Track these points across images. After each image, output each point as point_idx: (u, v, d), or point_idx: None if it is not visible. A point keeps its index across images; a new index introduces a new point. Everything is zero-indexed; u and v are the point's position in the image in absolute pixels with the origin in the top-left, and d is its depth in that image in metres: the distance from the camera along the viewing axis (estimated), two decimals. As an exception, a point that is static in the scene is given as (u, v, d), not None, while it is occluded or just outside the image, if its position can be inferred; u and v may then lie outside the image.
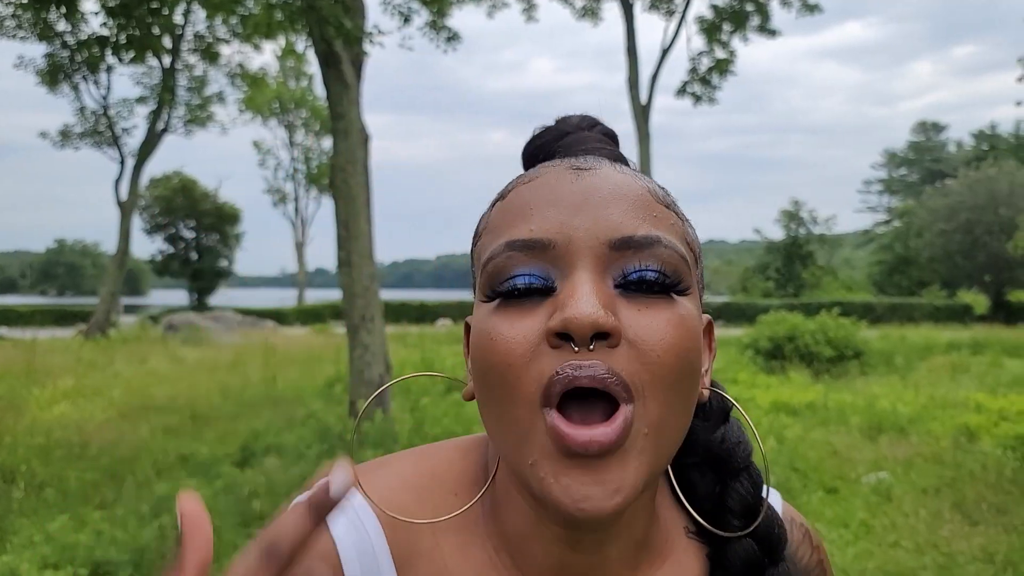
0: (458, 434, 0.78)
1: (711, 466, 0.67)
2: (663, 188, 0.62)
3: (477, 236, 0.63)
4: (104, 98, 24.01)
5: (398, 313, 33.24)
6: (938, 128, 66.94)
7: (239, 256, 42.50)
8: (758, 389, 10.35)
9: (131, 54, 10.79)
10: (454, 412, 8.26)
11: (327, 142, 44.16)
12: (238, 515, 4.99)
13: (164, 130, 23.60)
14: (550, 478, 0.52)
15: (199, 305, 38.54)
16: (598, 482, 0.52)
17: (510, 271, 0.56)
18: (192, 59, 23.05)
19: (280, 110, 45.57)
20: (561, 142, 0.68)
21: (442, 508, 0.64)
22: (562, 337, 0.52)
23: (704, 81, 15.53)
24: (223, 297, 47.48)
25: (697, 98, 15.70)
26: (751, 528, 0.64)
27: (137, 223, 33.84)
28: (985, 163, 36.68)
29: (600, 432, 0.51)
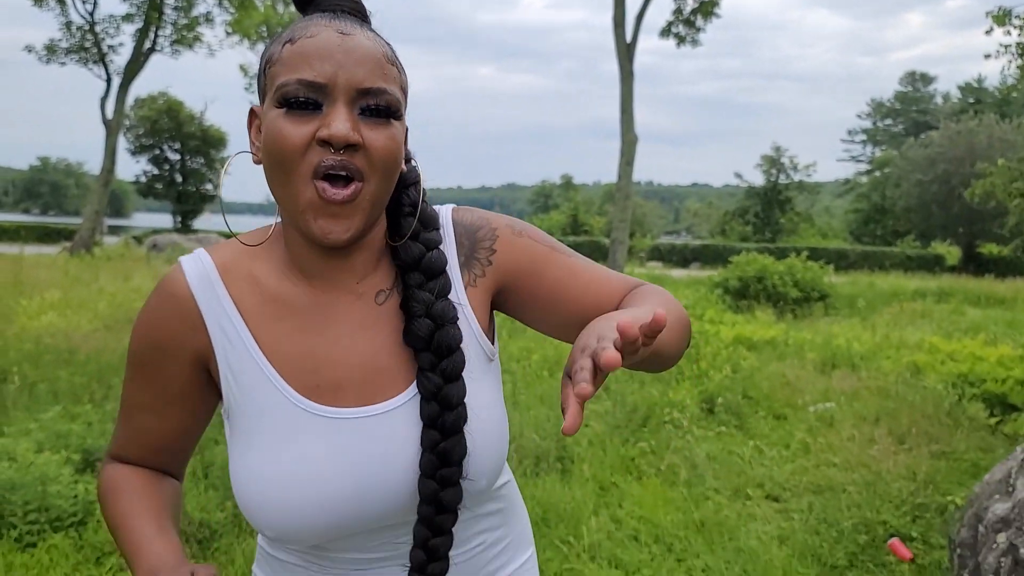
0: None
1: (404, 182, 1.07)
2: (390, 47, 0.99)
3: (268, 63, 0.96)
4: (91, 14, 23.70)
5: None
6: (927, 79, 66.67)
7: (224, 181, 42.26)
8: (723, 325, 10.68)
9: (119, -30, 10.75)
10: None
11: (315, 69, 43.44)
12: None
13: (151, 49, 23.35)
14: (312, 221, 0.93)
15: (183, 228, 38.47)
16: (338, 223, 0.93)
17: (297, 95, 0.91)
18: (180, -23, 22.69)
19: (267, 34, 44.85)
20: None
21: (260, 251, 1.06)
22: (326, 143, 0.91)
23: (688, 22, 15.53)
24: (207, 221, 47.28)
25: (681, 39, 15.71)
26: (411, 215, 1.06)
27: (121, 143, 33.56)
28: (967, 116, 36.80)
29: (340, 192, 0.92)
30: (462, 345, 1.03)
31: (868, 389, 7.33)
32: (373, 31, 0.99)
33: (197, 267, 1.03)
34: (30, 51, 24.79)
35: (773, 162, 43.32)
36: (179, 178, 40.15)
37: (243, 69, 48.45)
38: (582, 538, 3.93)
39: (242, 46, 42.53)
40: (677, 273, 23.82)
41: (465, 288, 1.08)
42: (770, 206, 42.91)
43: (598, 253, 32.50)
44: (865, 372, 8.17)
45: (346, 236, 0.93)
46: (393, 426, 1.01)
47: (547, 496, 4.33)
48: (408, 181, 1.07)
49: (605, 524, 4.15)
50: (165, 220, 49.80)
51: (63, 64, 24.70)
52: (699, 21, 15.35)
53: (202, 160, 40.31)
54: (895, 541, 4.07)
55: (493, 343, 1.11)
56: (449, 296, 1.05)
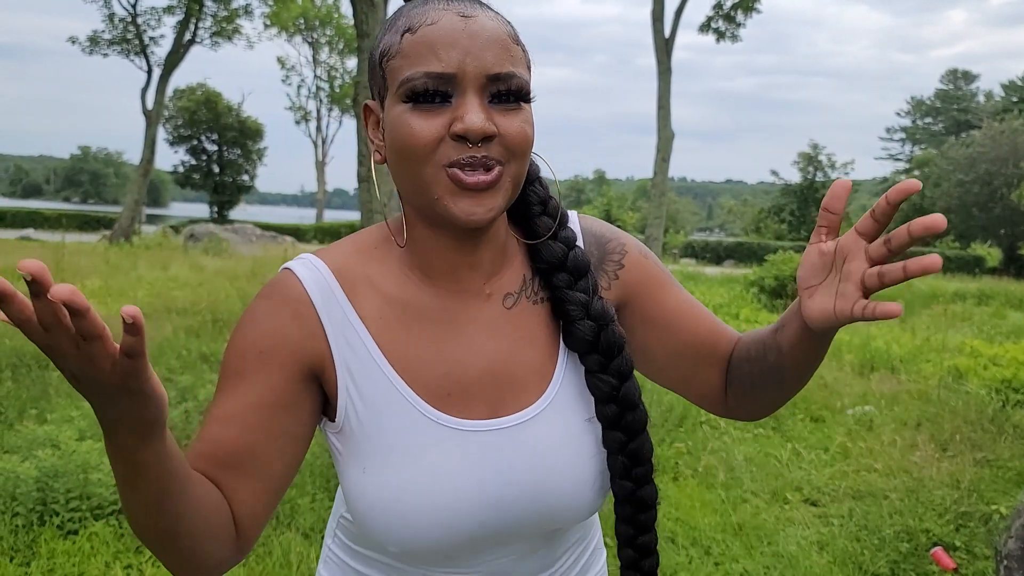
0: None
1: (528, 176, 1.05)
2: (512, 26, 0.95)
3: (385, 55, 0.92)
4: (133, 6, 24.02)
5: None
6: (969, 77, 65.57)
7: (260, 172, 42.85)
8: (759, 325, 10.57)
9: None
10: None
11: (351, 62, 43.89)
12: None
13: (191, 41, 23.60)
14: (452, 205, 0.88)
15: (219, 218, 38.92)
16: (480, 204, 0.89)
17: (426, 88, 0.87)
18: (220, -30, 22.91)
19: (305, 27, 45.19)
20: None
21: (374, 253, 1.01)
22: (462, 138, 0.87)
23: (728, 18, 15.40)
24: (242, 212, 47.82)
25: (720, 34, 15.58)
26: (548, 217, 1.04)
27: (160, 134, 34.05)
28: (1011, 115, 36.18)
29: (485, 178, 0.87)
30: None
31: (908, 393, 7.22)
32: (491, 8, 0.95)
33: (312, 272, 0.97)
34: (74, 42, 25.19)
35: (810, 159, 42.87)
36: (216, 169, 40.60)
37: (280, 61, 48.96)
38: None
39: (280, 38, 42.90)
40: (711, 270, 23.63)
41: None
42: (806, 204, 42.44)
43: (631, 249, 32.37)
44: (905, 375, 8.05)
45: (488, 216, 0.89)
46: (525, 439, 0.98)
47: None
48: (531, 176, 1.05)
49: (642, 525, 4.12)
50: (202, 210, 50.44)
51: (105, 55, 25.08)
52: (739, 16, 15.22)
53: (239, 151, 40.71)
54: (938, 550, 4.00)
55: None
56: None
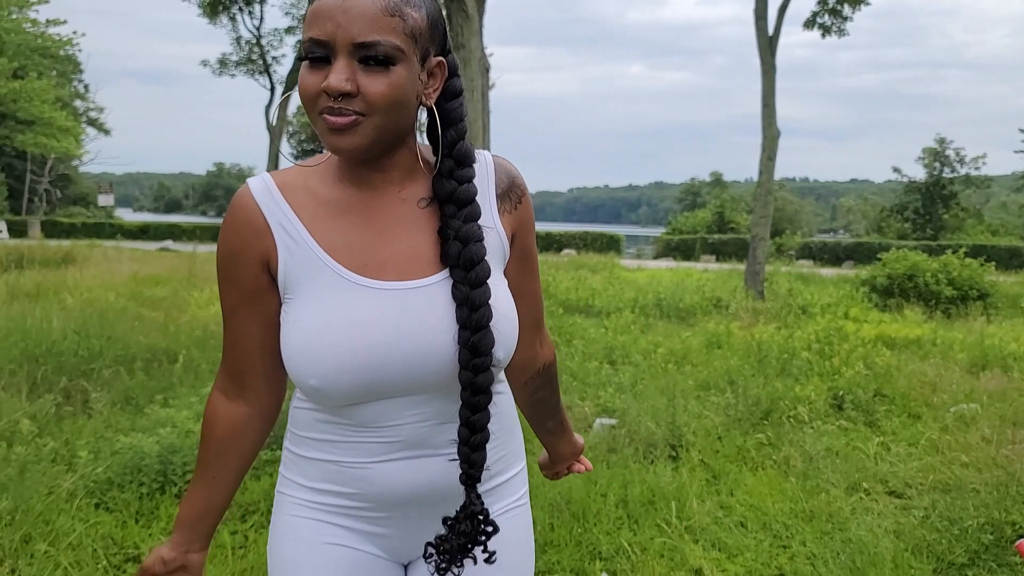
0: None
1: (443, 123, 1.27)
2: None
3: (303, 20, 1.19)
4: (257, 28, 25.42)
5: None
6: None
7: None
8: (867, 324, 10.34)
9: (280, -14, 11.55)
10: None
11: (465, 72, 44.44)
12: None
13: (310, 59, 24.73)
14: (325, 139, 1.16)
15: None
16: (342, 140, 1.14)
17: (310, 51, 1.14)
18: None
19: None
20: None
21: (316, 168, 1.29)
22: (327, 92, 1.12)
23: (834, 12, 14.88)
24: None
25: (826, 30, 15.03)
26: (452, 153, 1.27)
27: (284, 148, 35.61)
28: None
29: (340, 121, 1.13)
30: (488, 257, 1.26)
31: (1018, 390, 6.96)
32: None
33: (259, 184, 1.24)
34: (205, 65, 26.84)
35: (936, 155, 40.91)
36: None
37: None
38: (687, 520, 4.04)
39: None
40: (827, 272, 22.96)
41: (500, 215, 1.32)
42: (932, 202, 40.50)
43: (743, 251, 31.73)
44: (1018, 373, 7.73)
45: (350, 149, 1.14)
46: (428, 298, 1.23)
47: (656, 480, 4.45)
48: (450, 120, 1.27)
49: (713, 510, 4.23)
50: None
51: (233, 76, 26.63)
52: (846, 10, 14.68)
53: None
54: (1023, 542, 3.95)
55: None
56: (480, 218, 1.27)
